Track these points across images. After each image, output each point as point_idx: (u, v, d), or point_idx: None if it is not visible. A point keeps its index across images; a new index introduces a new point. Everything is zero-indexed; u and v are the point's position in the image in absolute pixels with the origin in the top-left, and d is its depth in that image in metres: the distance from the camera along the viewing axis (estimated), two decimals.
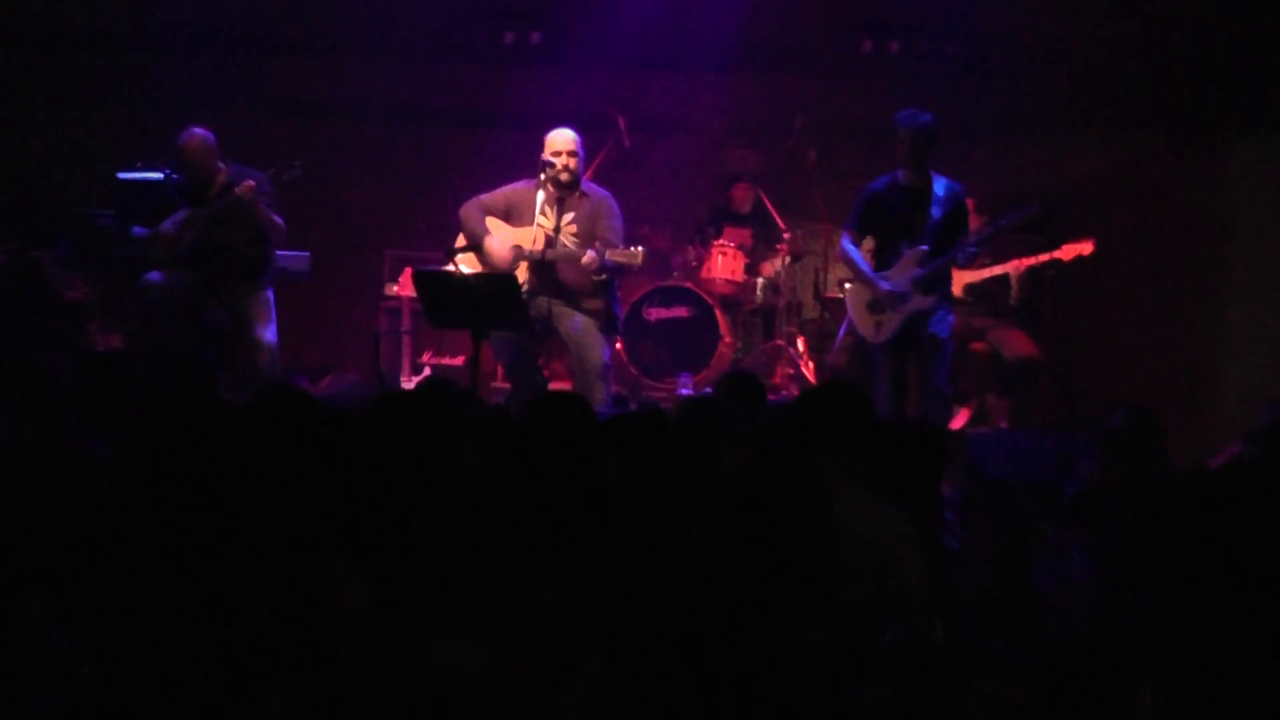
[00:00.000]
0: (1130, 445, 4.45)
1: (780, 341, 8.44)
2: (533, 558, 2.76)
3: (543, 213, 6.62)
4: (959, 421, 7.50)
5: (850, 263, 6.62)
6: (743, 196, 8.89)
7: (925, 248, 6.35)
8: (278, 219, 6.76)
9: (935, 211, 6.35)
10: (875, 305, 6.48)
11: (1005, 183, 8.21)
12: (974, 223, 6.74)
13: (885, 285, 6.41)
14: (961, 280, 7.33)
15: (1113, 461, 4.47)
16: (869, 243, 6.59)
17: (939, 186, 6.41)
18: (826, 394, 3.82)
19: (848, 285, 7.98)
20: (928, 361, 6.39)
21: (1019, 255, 7.37)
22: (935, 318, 6.40)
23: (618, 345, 8.06)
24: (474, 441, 3.69)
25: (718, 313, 8.29)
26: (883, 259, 6.52)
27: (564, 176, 6.64)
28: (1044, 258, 7.27)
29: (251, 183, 6.59)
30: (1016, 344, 7.52)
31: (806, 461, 3.02)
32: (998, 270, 7.42)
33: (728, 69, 8.89)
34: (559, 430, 3.31)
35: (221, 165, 6.78)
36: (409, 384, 7.96)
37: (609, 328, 6.75)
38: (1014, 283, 7.41)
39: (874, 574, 3.30)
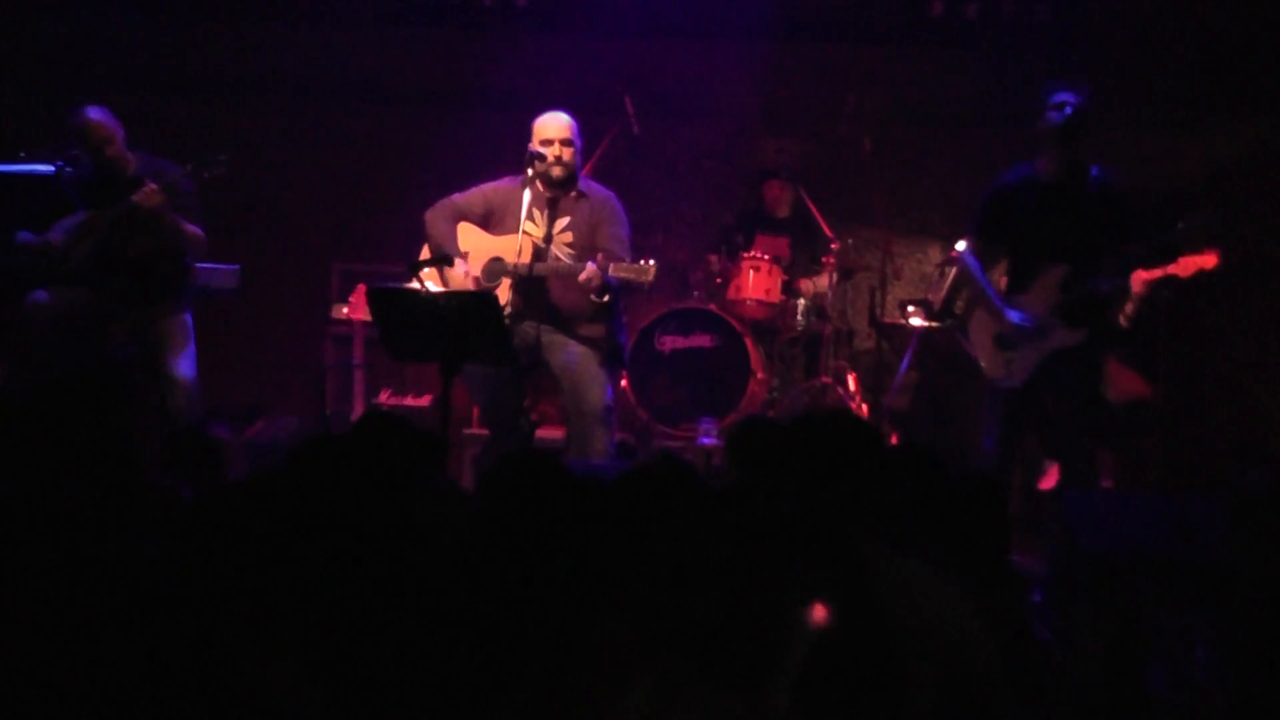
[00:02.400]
0: (1271, 510, 4.43)
1: (826, 378, 8.44)
2: (508, 677, 2.75)
3: (530, 217, 6.64)
4: (1050, 480, 7.47)
5: (973, 283, 6.49)
6: (779, 197, 8.92)
7: (1068, 265, 6.23)
8: (195, 228, 6.78)
9: (1084, 214, 6.17)
10: (1005, 340, 6.36)
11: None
12: None
13: (1015, 317, 6.31)
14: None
15: (1249, 531, 4.45)
16: (1000, 257, 6.47)
17: (1090, 180, 6.23)
18: (863, 432, 3.77)
19: (911, 308, 7.93)
20: (1072, 412, 6.27)
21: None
22: (1083, 358, 6.26)
23: (623, 382, 8.05)
24: (433, 506, 3.67)
25: (748, 342, 8.30)
26: (1018, 276, 6.39)
27: (556, 172, 6.65)
28: (1158, 273, 7.24)
29: (153, 186, 6.60)
30: (1123, 382, 7.50)
31: (828, 517, 3.01)
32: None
33: (761, 38, 8.93)
34: (534, 500, 3.29)
35: (129, 155, 6.81)
36: None
37: (612, 360, 6.75)
38: (1133, 301, 7.34)
39: (933, 671, 3.27)
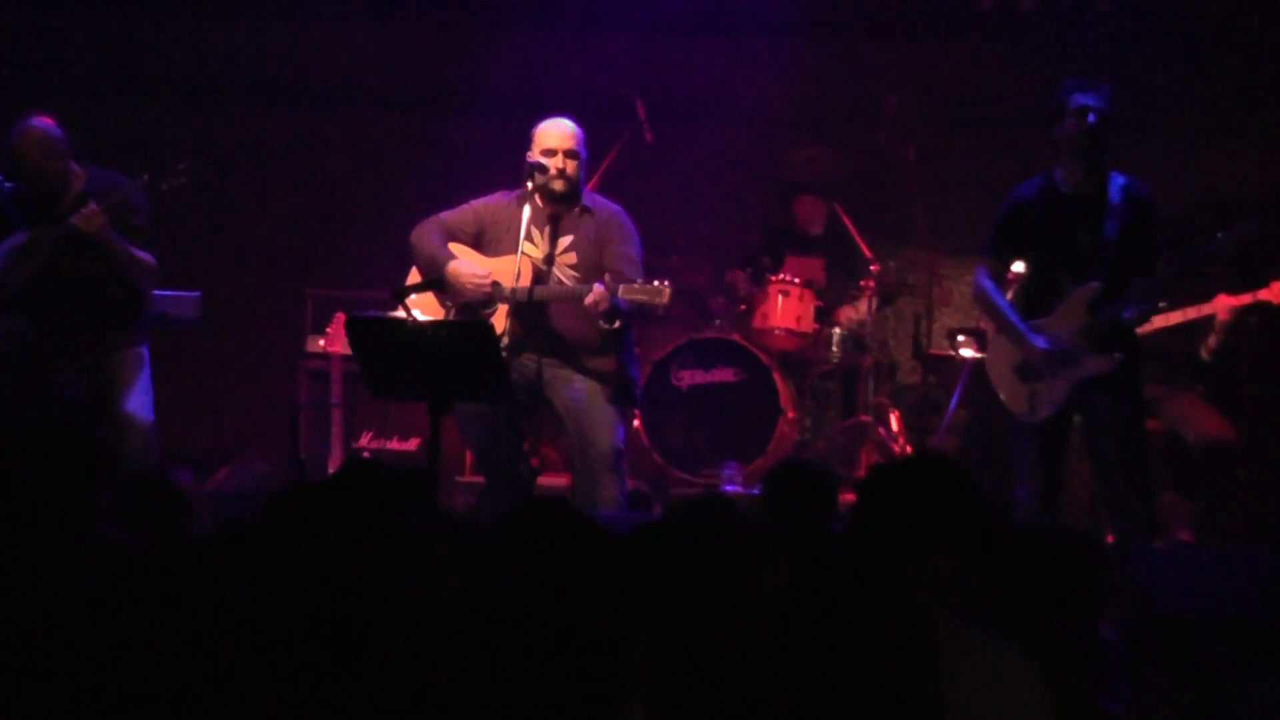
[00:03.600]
0: None
1: (865, 417, 8.44)
2: None
3: (529, 236, 6.64)
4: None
5: (989, 306, 6.53)
6: (810, 213, 8.93)
7: (1097, 283, 6.29)
8: (146, 254, 6.77)
9: (1110, 227, 6.25)
10: (1028, 369, 6.39)
11: (1180, 193, 8.21)
12: None
13: (1040, 342, 6.34)
14: None
15: None
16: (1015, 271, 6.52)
17: (1114, 190, 6.28)
18: (913, 478, 3.77)
19: (960, 337, 7.93)
20: (1111, 449, 6.26)
21: (1204, 292, 7.34)
22: (1118, 384, 6.26)
23: (635, 422, 8.04)
24: (425, 560, 3.66)
25: (777, 376, 8.30)
26: (1038, 299, 6.44)
27: (559, 186, 6.66)
28: (1246, 299, 7.23)
29: (94, 208, 6.60)
30: (1204, 422, 7.48)
31: (888, 581, 2.99)
32: (1182, 315, 7.34)
33: (790, 33, 8.96)
34: (553, 554, 3.27)
35: (75, 167, 6.82)
36: None
37: (623, 397, 6.74)
38: (1217, 330, 7.31)
39: None
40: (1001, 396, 6.47)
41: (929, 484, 3.52)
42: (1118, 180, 6.28)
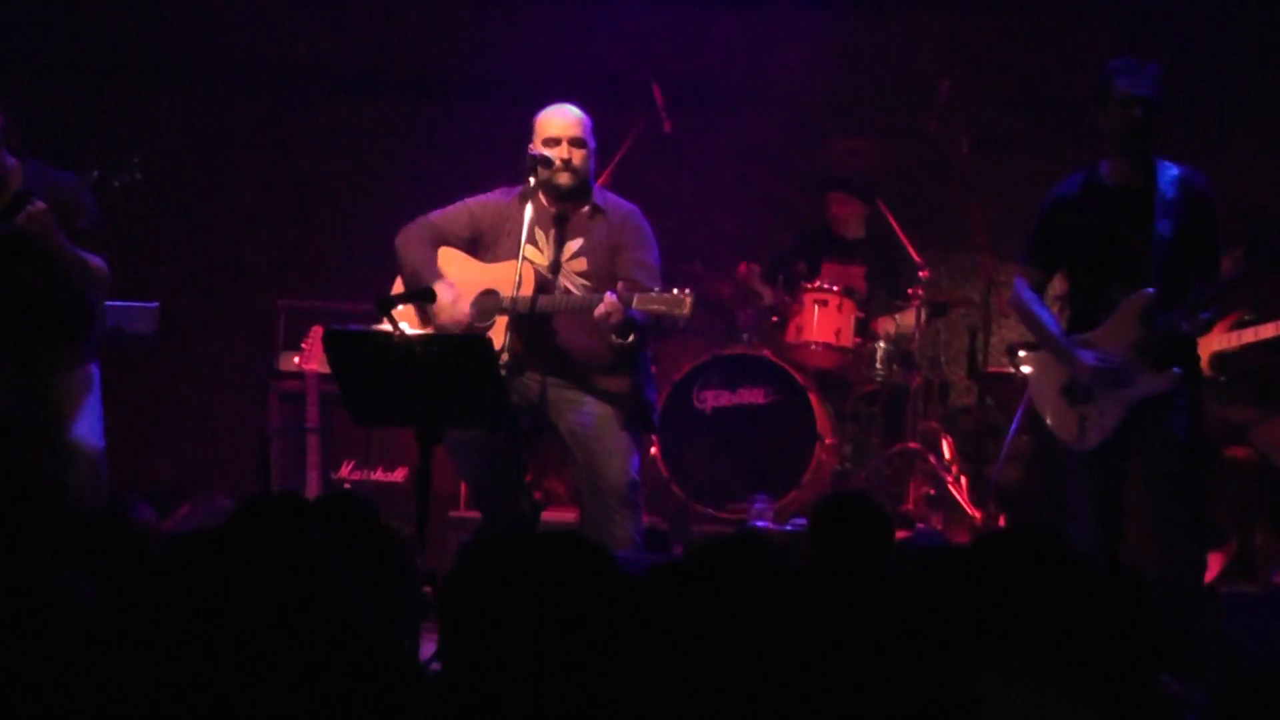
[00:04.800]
0: None
1: (913, 444, 8.44)
2: None
3: (532, 239, 6.65)
4: (1209, 574, 7.44)
5: (1030, 320, 6.55)
6: (849, 213, 8.93)
7: (1150, 290, 6.30)
8: (96, 258, 6.76)
9: (1163, 225, 6.27)
10: (1076, 390, 6.40)
11: (1266, 190, 8.20)
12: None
13: (1089, 358, 6.35)
14: (1209, 347, 7.29)
15: None
16: (1059, 286, 6.55)
17: (1166, 183, 6.29)
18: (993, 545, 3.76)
19: (1022, 354, 7.91)
20: (1163, 477, 6.31)
21: None
22: (1176, 406, 6.31)
23: (652, 450, 8.03)
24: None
25: (813, 398, 8.30)
26: (1085, 311, 6.47)
27: (564, 180, 6.66)
28: None
29: (41, 205, 6.57)
30: None
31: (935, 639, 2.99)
32: (1275, 329, 7.35)
33: (827, 7, 8.97)
34: (562, 600, 3.26)
35: (12, 161, 6.81)
36: None
37: (638, 422, 6.74)
38: None
39: None
40: (1047, 422, 6.48)
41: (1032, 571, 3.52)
42: (1170, 171, 6.27)
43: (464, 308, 6.59)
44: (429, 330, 6.62)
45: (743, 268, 8.65)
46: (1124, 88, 6.18)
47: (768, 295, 8.66)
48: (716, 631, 3.35)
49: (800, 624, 3.40)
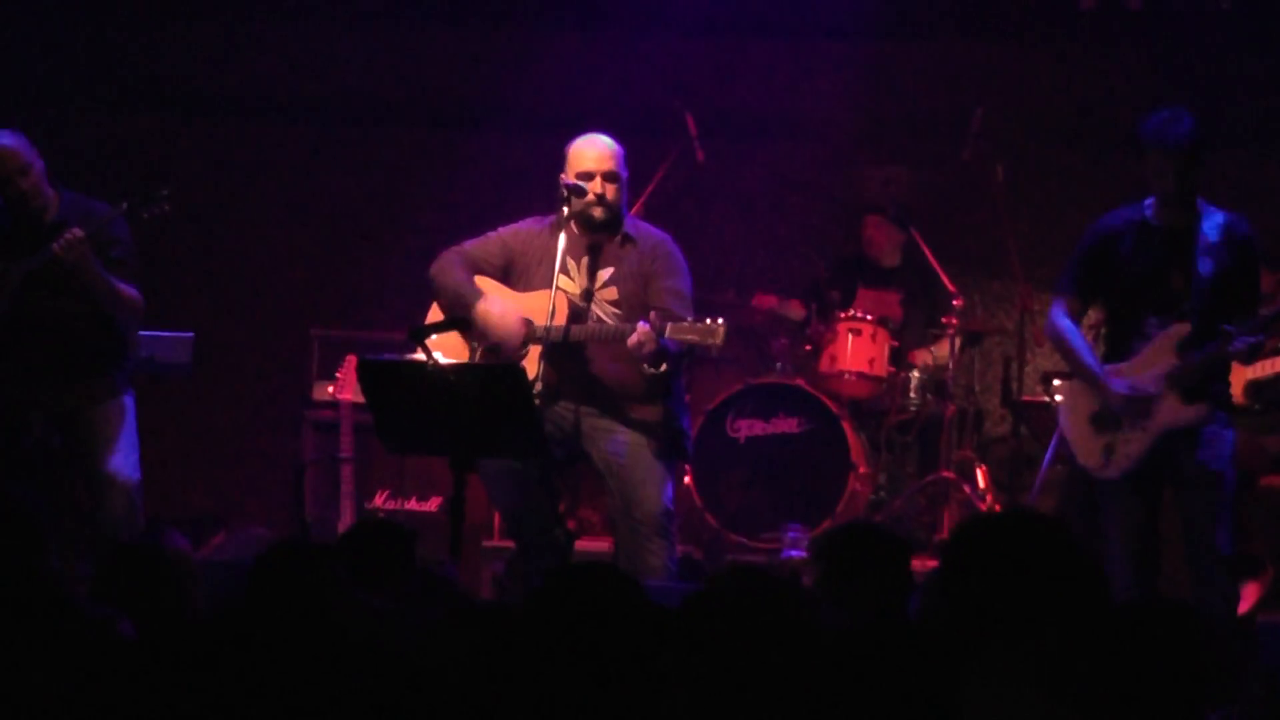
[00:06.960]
0: None
1: (948, 473, 8.43)
2: None
3: (565, 269, 6.66)
4: (1245, 604, 7.43)
5: (1065, 348, 6.55)
6: (884, 240, 8.93)
7: (1187, 325, 6.33)
8: (130, 288, 6.79)
9: (1204, 265, 6.31)
10: (1106, 418, 6.42)
11: None
12: (1264, 285, 6.72)
13: (1121, 387, 6.38)
14: (1243, 377, 7.29)
15: None
16: (1094, 316, 6.56)
17: (1210, 226, 6.34)
18: (1006, 538, 3.76)
19: (1057, 382, 7.93)
20: (1196, 508, 6.33)
21: None
22: (1206, 438, 6.34)
23: (686, 479, 8.04)
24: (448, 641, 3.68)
25: (847, 427, 8.30)
26: (1119, 342, 6.51)
27: (598, 213, 6.68)
28: None
29: (78, 233, 6.57)
30: None
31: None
32: None
33: (862, 36, 8.98)
34: (591, 631, 3.28)
35: (50, 191, 6.84)
36: None
37: (671, 451, 6.75)
38: None
39: None
40: (1073, 449, 6.49)
41: (1024, 545, 3.52)
42: (1215, 217, 6.31)
43: (517, 321, 6.57)
44: (465, 359, 6.62)
45: (758, 300, 8.68)
46: (1157, 139, 6.23)
47: (797, 311, 8.66)
48: (732, 659, 3.38)
49: (787, 662, 3.43)
